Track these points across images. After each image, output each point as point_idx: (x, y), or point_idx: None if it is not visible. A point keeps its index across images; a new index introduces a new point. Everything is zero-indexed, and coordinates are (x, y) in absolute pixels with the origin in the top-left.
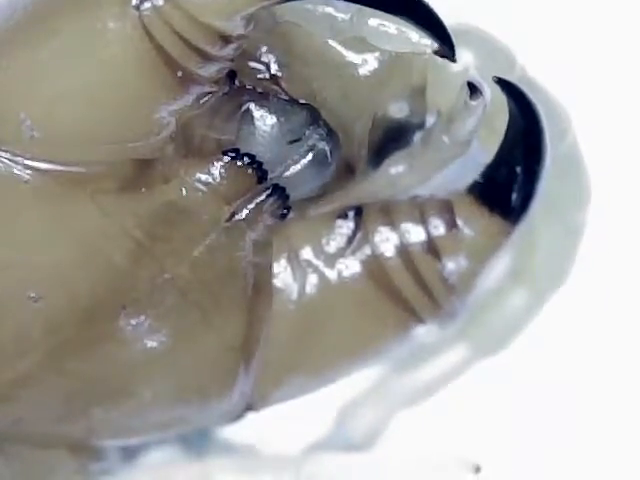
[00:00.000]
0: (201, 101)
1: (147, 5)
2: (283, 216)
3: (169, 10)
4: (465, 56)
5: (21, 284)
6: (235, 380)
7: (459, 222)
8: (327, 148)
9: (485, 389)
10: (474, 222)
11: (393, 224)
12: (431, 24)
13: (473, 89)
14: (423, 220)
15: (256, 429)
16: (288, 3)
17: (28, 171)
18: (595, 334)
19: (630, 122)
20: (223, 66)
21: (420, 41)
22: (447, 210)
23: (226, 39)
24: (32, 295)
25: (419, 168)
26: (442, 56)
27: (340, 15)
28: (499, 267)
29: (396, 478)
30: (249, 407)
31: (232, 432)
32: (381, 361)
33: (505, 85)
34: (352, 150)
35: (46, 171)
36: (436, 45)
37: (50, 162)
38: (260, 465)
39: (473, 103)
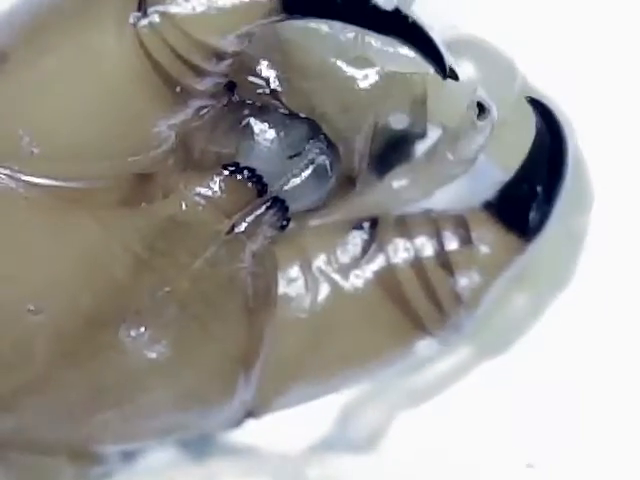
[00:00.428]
0: (200, 114)
1: (144, 22)
2: (283, 228)
3: (165, 27)
4: (466, 67)
5: (22, 298)
6: (235, 389)
7: (474, 238)
8: (327, 162)
9: (487, 391)
10: (489, 239)
11: (408, 237)
12: (424, 45)
13: (481, 109)
14: (438, 234)
15: (257, 431)
16: (289, 22)
17: (27, 187)
18: (598, 338)
19: (632, 127)
20: (219, 80)
21: (424, 63)
22: (462, 225)
23: (220, 55)
24: (32, 308)
25: (422, 183)
26: (445, 77)
27: (344, 35)
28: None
29: (398, 478)
30: (249, 414)
31: (233, 434)
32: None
33: (533, 103)
34: (353, 163)
35: (46, 187)
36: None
37: (50, 178)
38: (261, 467)
39: (481, 123)
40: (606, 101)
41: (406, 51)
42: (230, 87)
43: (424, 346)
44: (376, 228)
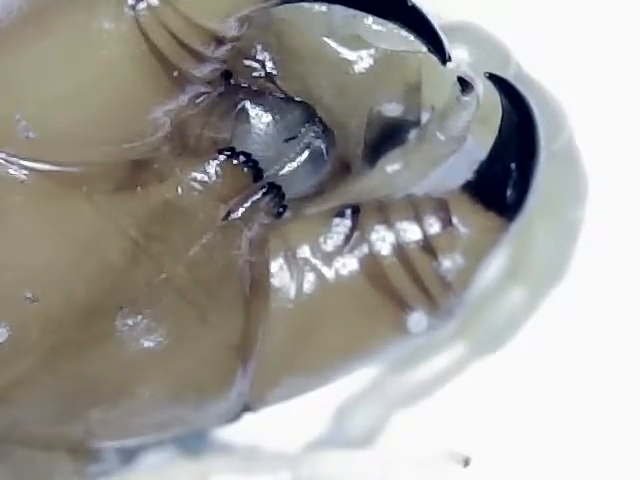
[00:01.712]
0: (196, 101)
1: (143, 6)
2: (279, 214)
3: (164, 11)
4: (460, 53)
5: (18, 285)
6: (233, 379)
7: (454, 220)
8: (323, 146)
9: (483, 386)
10: (469, 220)
11: (389, 223)
12: (422, 28)
13: (465, 84)
14: (418, 219)
15: (253, 428)
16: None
17: (24, 171)
18: (593, 331)
19: (627, 118)
20: (217, 67)
21: (416, 41)
22: (442, 208)
23: (219, 40)
24: (29, 296)
25: (415, 165)
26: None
27: (336, 13)
28: (496, 264)
29: (394, 475)
30: (247, 408)
31: (229, 432)
32: (379, 360)
33: (498, 81)
34: (348, 147)
35: (42, 171)
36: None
37: (46, 162)
38: (258, 464)
39: (465, 98)
40: (601, 90)
41: (398, 30)
42: (227, 75)
43: (417, 336)
44: (358, 215)
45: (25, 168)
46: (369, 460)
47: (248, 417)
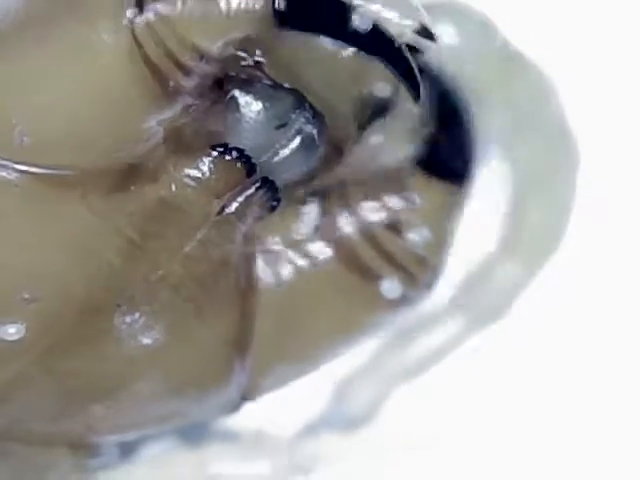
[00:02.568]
0: (189, 111)
1: (140, 19)
2: (273, 208)
3: (159, 26)
4: (446, 30)
5: (14, 286)
6: (231, 372)
7: (411, 194)
8: (314, 131)
9: (481, 361)
10: (425, 192)
11: (352, 206)
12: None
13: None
14: (378, 198)
15: (251, 415)
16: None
17: (18, 174)
18: (588, 304)
19: (617, 91)
20: (205, 81)
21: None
22: (398, 184)
23: (208, 58)
24: (26, 297)
25: (394, 137)
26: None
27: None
28: (489, 239)
29: (393, 455)
30: (245, 397)
31: (228, 419)
32: (374, 337)
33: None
34: (339, 131)
35: (36, 174)
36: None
37: (40, 166)
38: (257, 450)
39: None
40: (590, 65)
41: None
42: (218, 86)
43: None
44: (325, 201)
45: (19, 171)
46: (368, 441)
47: (247, 405)
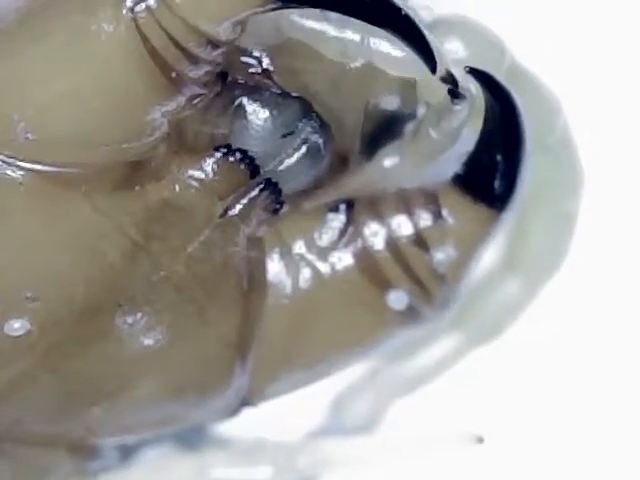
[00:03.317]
0: (193, 102)
1: (141, 7)
2: (276, 211)
3: (162, 12)
4: (454, 46)
5: (17, 285)
6: (232, 375)
7: (445, 213)
8: (320, 141)
9: (480, 376)
10: (459, 212)
11: (381, 217)
12: (414, 37)
13: (455, 94)
14: (410, 212)
15: (251, 422)
16: (296, 19)
17: (22, 172)
18: (589, 321)
19: (622, 110)
20: (212, 68)
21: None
22: (432, 201)
23: (214, 43)
24: (29, 295)
25: (410, 159)
26: (446, 83)
27: (350, 37)
28: (492, 255)
29: (395, 459)
30: (246, 402)
31: (227, 426)
32: (378, 351)
33: (478, 74)
34: (345, 142)
35: (40, 172)
36: (441, 72)
37: (44, 164)
38: (257, 456)
39: (457, 107)
40: (596, 83)
41: (409, 56)
42: (223, 76)
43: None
44: (352, 210)
45: (23, 169)
46: (370, 445)
47: (247, 411)
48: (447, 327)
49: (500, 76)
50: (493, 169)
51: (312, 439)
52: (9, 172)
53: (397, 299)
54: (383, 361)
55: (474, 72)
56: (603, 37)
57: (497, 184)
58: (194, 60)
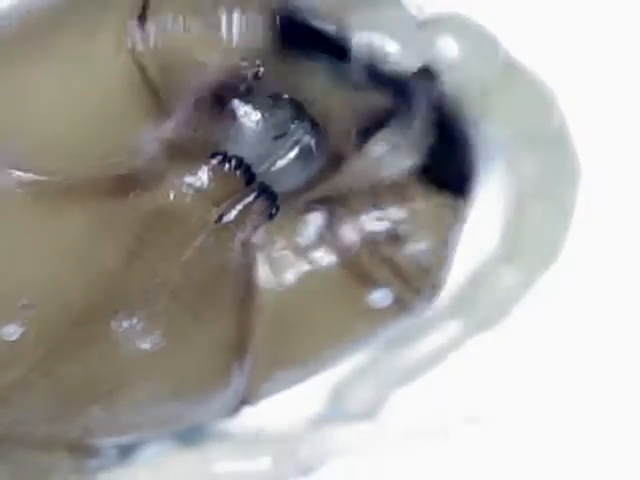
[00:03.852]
0: (187, 124)
1: (140, 36)
2: (271, 216)
3: (162, 45)
4: (448, 42)
5: (13, 292)
6: (230, 378)
7: (413, 205)
8: (312, 142)
9: (478, 364)
10: (426, 201)
11: (354, 215)
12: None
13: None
14: (379, 207)
15: (250, 416)
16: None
17: (16, 182)
18: (586, 312)
19: (618, 102)
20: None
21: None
22: (400, 194)
23: (209, 71)
24: (25, 302)
25: (400, 149)
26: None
27: None
28: (489, 246)
29: (397, 451)
30: (244, 402)
31: (227, 421)
32: (372, 343)
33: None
34: (339, 141)
35: (35, 181)
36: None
37: (39, 173)
38: (258, 449)
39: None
40: (592, 75)
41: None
42: (218, 100)
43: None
44: (328, 207)
45: (18, 178)
46: (371, 432)
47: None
48: (445, 316)
49: (495, 71)
50: (447, 156)
51: (313, 428)
52: (4, 182)
53: (381, 297)
54: (382, 350)
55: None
56: (599, 30)
57: (453, 170)
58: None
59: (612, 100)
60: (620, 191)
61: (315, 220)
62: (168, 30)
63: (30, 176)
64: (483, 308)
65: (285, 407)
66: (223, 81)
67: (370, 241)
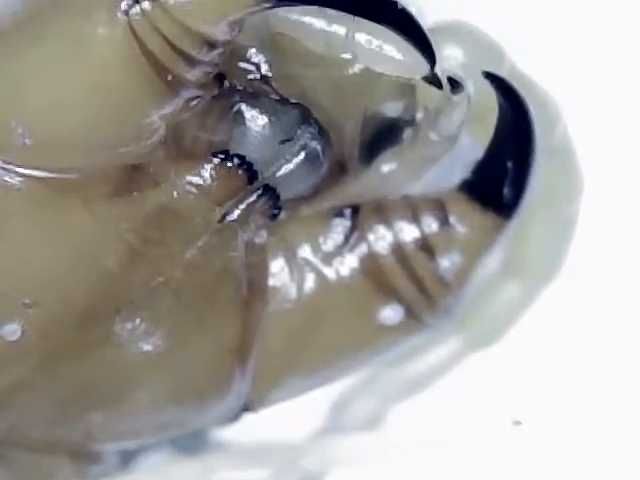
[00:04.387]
0: (191, 104)
1: (136, 10)
2: (274, 216)
3: (157, 15)
4: (454, 51)
5: (16, 290)
6: (231, 381)
7: (451, 219)
8: (319, 147)
9: (480, 379)
10: (466, 219)
11: (387, 223)
12: (411, 31)
13: (454, 84)
14: (416, 218)
15: (251, 426)
16: (281, 14)
17: (20, 178)
18: (588, 326)
19: (621, 114)
20: (210, 70)
21: (411, 67)
22: (439, 208)
23: (212, 44)
24: (27, 301)
25: (409, 165)
26: (430, 83)
27: (335, 30)
28: (491, 260)
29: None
30: (246, 408)
31: (228, 429)
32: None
33: (493, 79)
34: (344, 148)
35: (38, 178)
36: (425, 72)
37: (42, 169)
38: (258, 459)
39: (456, 98)
40: (596, 88)
41: (393, 53)
42: (220, 78)
43: (418, 333)
44: (357, 215)
45: (21, 175)
46: (372, 445)
47: (247, 416)
48: (445, 331)
49: None
50: (502, 176)
51: (314, 440)
52: (7, 178)
53: (396, 311)
54: (384, 364)
55: (490, 77)
56: (603, 43)
57: (506, 192)
58: (191, 62)
59: (615, 113)
60: (622, 204)
61: (343, 226)
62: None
63: (32, 172)
64: (485, 323)
65: (287, 418)
66: (231, 85)
67: (400, 250)
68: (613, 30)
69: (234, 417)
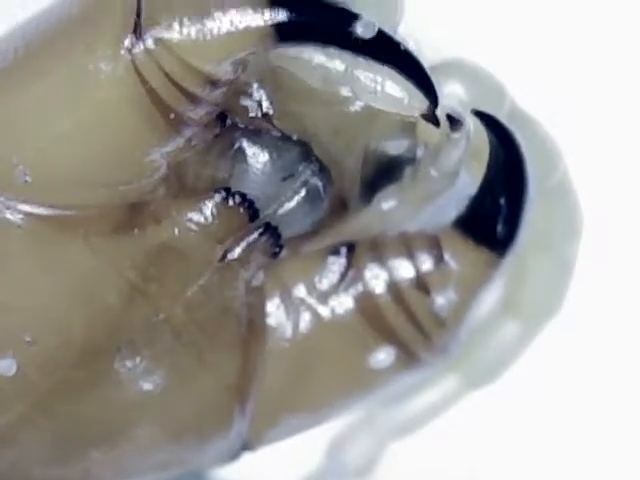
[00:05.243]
0: (192, 143)
1: (139, 48)
2: (275, 254)
3: (160, 53)
4: (455, 89)
5: (15, 328)
6: (231, 419)
7: (446, 256)
8: (320, 184)
9: (476, 419)
10: (461, 256)
11: (382, 261)
12: (414, 71)
13: (453, 122)
14: (411, 256)
15: (247, 465)
16: (281, 50)
17: (21, 215)
18: (588, 367)
19: (622, 154)
20: (212, 109)
21: (409, 105)
22: (434, 245)
23: (215, 83)
24: (27, 339)
25: (409, 202)
26: (428, 121)
27: (334, 66)
28: (490, 299)
29: None
30: (245, 447)
31: (223, 471)
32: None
33: (483, 117)
34: (345, 185)
35: (39, 215)
36: (424, 109)
37: (43, 206)
38: None
39: (455, 135)
40: (596, 127)
41: (394, 90)
42: (222, 117)
43: (414, 372)
44: (353, 253)
45: (22, 212)
46: None
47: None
48: (444, 369)
49: (500, 119)
50: (495, 213)
51: None
52: (8, 215)
53: (391, 353)
54: (379, 403)
55: (479, 114)
56: (605, 84)
57: (500, 228)
58: (194, 101)
59: (616, 153)
60: (622, 245)
61: (338, 264)
62: (165, 38)
63: (33, 209)
64: (483, 361)
65: (282, 459)
66: (229, 100)
67: (395, 288)
68: (617, 71)
69: (234, 456)
